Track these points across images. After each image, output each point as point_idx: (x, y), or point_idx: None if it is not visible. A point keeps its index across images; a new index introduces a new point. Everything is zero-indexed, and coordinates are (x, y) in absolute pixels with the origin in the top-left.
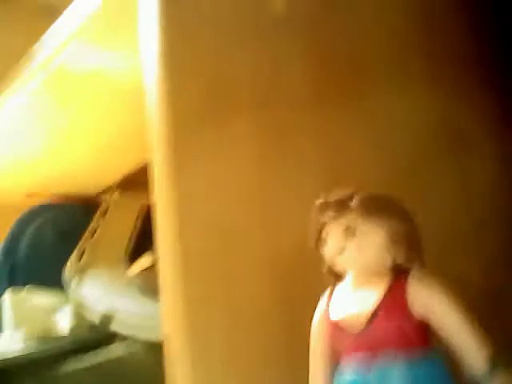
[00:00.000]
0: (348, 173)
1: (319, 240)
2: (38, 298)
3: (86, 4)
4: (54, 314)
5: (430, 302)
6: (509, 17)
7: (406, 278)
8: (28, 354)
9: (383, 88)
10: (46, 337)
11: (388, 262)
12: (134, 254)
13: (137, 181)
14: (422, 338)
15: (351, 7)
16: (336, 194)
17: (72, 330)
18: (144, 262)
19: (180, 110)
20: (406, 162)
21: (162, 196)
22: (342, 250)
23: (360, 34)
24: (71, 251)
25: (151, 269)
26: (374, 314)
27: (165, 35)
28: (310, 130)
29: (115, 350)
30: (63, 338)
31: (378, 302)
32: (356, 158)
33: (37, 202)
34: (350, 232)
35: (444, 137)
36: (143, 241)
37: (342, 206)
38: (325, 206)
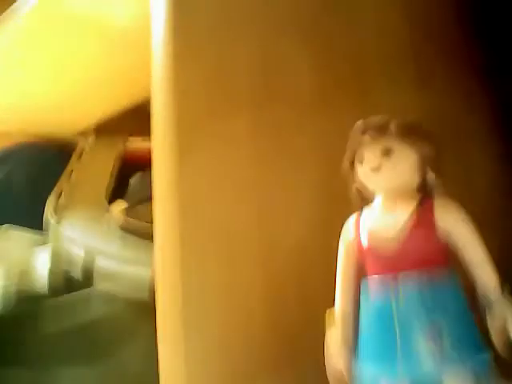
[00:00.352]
0: None
1: (354, 160)
2: (15, 237)
3: None
4: (33, 254)
5: (455, 225)
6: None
7: (431, 201)
8: (7, 312)
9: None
10: (24, 291)
11: (414, 183)
12: (113, 198)
13: (113, 126)
14: (444, 259)
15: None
16: (374, 119)
17: (50, 274)
18: (119, 205)
19: (185, 99)
20: None
21: (162, 183)
22: (378, 169)
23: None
24: (45, 194)
25: (130, 210)
26: (405, 229)
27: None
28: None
29: (97, 310)
30: (42, 292)
31: (408, 218)
32: None
33: (11, 142)
34: (387, 152)
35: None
36: (121, 185)
37: (380, 129)
38: (364, 128)
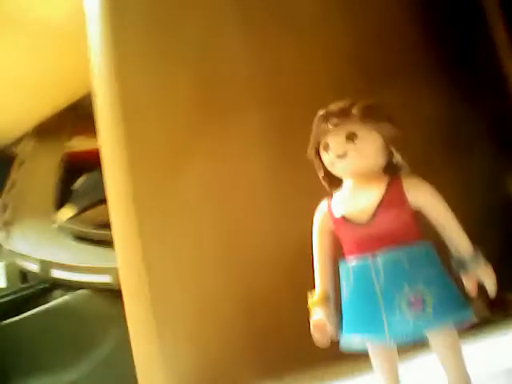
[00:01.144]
0: None
1: (319, 147)
2: None
3: None
4: None
5: (424, 195)
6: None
7: (400, 180)
8: None
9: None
10: None
11: (381, 164)
12: (61, 202)
13: (53, 127)
14: (417, 232)
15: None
16: (337, 104)
17: (8, 282)
18: (67, 211)
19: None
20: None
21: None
22: (344, 155)
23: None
24: None
25: (79, 216)
26: (377, 207)
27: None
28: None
29: (60, 297)
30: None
31: (380, 197)
32: None
33: None
34: (351, 137)
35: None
36: (68, 188)
37: (343, 114)
38: (328, 115)
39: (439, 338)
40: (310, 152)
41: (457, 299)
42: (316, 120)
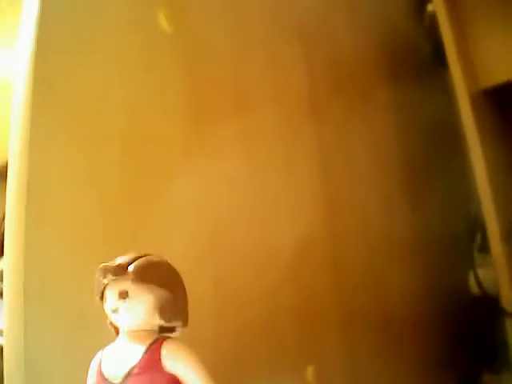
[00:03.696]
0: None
1: (101, 297)
2: None
3: None
4: None
5: (179, 363)
6: None
7: (162, 341)
8: None
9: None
10: None
11: (153, 323)
12: None
13: None
14: None
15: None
16: (114, 262)
17: None
18: None
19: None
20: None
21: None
22: (115, 311)
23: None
24: None
25: None
26: (131, 370)
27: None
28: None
29: None
30: None
31: (135, 361)
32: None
33: None
34: (123, 295)
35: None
36: None
37: (119, 272)
38: (106, 270)
39: None
40: (97, 298)
41: None
42: (96, 272)
